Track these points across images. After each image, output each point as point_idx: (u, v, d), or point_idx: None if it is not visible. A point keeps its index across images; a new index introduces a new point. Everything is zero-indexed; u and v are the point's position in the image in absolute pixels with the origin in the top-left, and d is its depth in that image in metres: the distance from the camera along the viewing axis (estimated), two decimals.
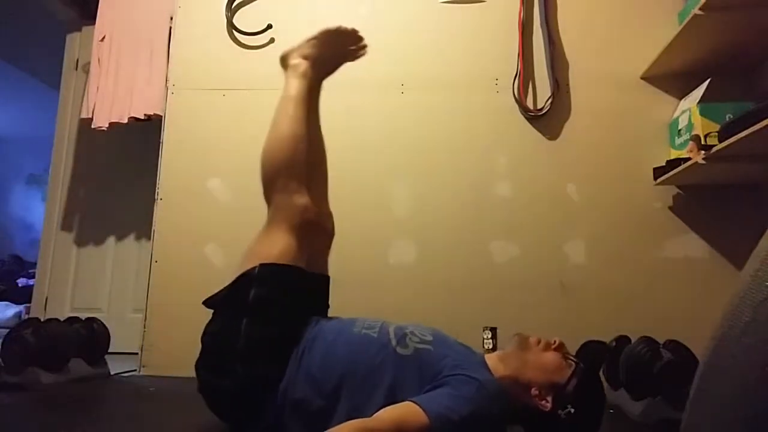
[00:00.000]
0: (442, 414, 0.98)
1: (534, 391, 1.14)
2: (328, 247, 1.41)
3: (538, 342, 1.21)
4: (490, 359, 1.22)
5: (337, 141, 2.27)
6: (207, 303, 1.27)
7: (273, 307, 1.19)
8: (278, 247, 1.23)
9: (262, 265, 1.21)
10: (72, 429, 1.30)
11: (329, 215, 1.42)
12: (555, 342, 1.22)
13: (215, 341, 1.19)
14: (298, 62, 1.43)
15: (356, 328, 1.22)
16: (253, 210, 2.22)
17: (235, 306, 1.19)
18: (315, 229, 1.31)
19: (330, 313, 1.40)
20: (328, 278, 1.41)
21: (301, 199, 1.28)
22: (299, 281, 1.24)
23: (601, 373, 1.69)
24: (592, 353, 1.70)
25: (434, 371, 1.10)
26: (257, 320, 1.16)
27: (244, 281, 1.20)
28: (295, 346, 1.19)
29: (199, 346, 1.21)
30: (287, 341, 1.18)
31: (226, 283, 1.25)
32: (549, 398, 1.12)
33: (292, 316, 1.22)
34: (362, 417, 1.04)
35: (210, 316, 1.24)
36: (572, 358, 1.20)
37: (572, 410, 1.10)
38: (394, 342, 1.16)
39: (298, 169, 1.31)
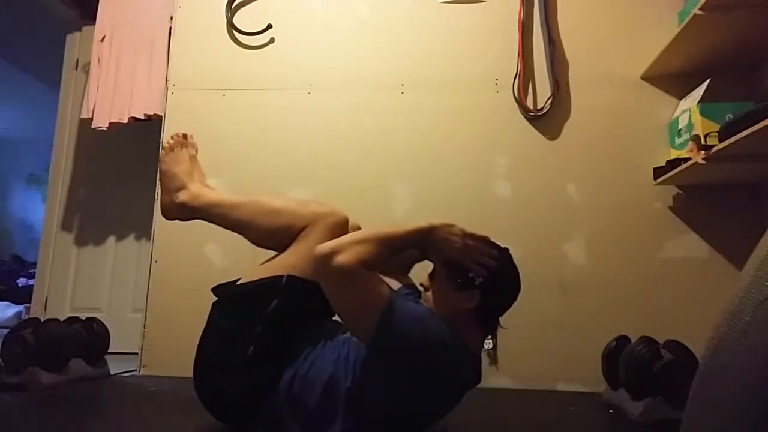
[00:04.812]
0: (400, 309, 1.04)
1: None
2: None
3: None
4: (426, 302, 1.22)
5: (337, 141, 2.29)
6: (217, 291, 1.25)
7: (291, 321, 1.18)
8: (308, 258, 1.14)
9: (289, 276, 1.18)
10: (72, 429, 1.30)
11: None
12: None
13: (222, 340, 1.18)
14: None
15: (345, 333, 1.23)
16: None
17: (251, 310, 1.17)
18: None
19: None
20: None
21: (325, 209, 1.27)
22: (321, 299, 1.10)
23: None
24: None
25: None
26: (272, 330, 1.15)
27: (267, 288, 1.18)
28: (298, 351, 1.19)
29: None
30: (293, 349, 1.17)
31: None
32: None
33: (306, 331, 1.20)
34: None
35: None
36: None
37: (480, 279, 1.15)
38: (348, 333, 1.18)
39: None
